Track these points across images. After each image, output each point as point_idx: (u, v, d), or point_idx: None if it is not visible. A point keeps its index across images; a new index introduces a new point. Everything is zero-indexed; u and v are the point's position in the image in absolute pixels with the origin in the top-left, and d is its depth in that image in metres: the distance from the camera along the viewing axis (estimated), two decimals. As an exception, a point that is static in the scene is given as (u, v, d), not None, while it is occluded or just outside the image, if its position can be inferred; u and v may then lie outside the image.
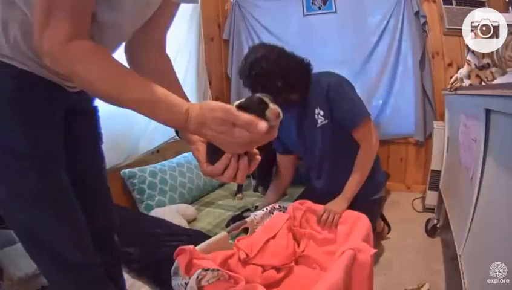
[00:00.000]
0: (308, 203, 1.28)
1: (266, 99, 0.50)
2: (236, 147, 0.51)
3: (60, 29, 0.50)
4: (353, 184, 1.34)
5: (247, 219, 1.19)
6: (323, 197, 1.29)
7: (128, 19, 0.64)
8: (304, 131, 1.46)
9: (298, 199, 1.40)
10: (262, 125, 0.47)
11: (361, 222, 1.13)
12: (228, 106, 0.48)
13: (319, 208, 1.25)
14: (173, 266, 0.85)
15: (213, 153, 0.54)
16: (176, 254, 0.86)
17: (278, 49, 1.36)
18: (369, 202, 1.45)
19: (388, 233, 1.77)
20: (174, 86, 0.71)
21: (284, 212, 1.29)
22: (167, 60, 0.76)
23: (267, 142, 0.51)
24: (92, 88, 0.53)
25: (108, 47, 0.66)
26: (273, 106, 0.50)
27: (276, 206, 1.32)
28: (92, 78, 0.51)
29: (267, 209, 1.28)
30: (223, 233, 1.08)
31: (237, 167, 0.54)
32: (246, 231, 1.18)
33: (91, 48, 0.52)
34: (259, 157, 0.56)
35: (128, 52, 0.73)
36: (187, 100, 0.68)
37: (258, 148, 0.56)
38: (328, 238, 1.19)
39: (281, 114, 0.51)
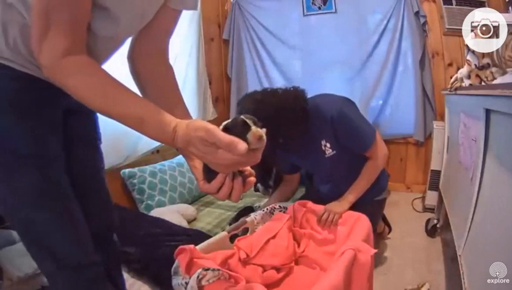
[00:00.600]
0: (309, 204, 1.28)
1: (249, 121, 0.50)
2: (222, 168, 0.52)
3: (57, 44, 0.51)
4: (357, 189, 1.35)
5: (247, 219, 1.19)
6: (326, 200, 1.29)
7: (123, 31, 0.65)
8: (311, 160, 1.47)
9: (299, 200, 1.40)
10: (241, 146, 0.47)
11: (361, 222, 1.13)
12: (211, 126, 0.49)
13: (320, 208, 1.25)
14: (174, 266, 0.85)
15: (209, 171, 0.55)
16: (176, 254, 0.86)
17: (267, 97, 1.28)
18: (372, 203, 1.45)
19: (388, 233, 1.77)
20: (174, 94, 0.73)
21: (284, 212, 1.29)
22: (168, 67, 0.75)
23: (252, 164, 0.52)
24: (84, 102, 0.55)
25: (102, 56, 0.67)
26: (255, 129, 0.49)
27: (277, 206, 1.32)
28: (83, 94, 0.54)
29: (267, 209, 1.28)
30: (223, 233, 1.08)
31: (232, 186, 0.56)
32: (246, 231, 1.18)
33: (84, 64, 0.54)
34: (253, 179, 0.58)
35: (130, 59, 0.73)
36: (185, 108, 0.70)
37: None
38: (328, 239, 1.19)
39: (264, 137, 0.50)
